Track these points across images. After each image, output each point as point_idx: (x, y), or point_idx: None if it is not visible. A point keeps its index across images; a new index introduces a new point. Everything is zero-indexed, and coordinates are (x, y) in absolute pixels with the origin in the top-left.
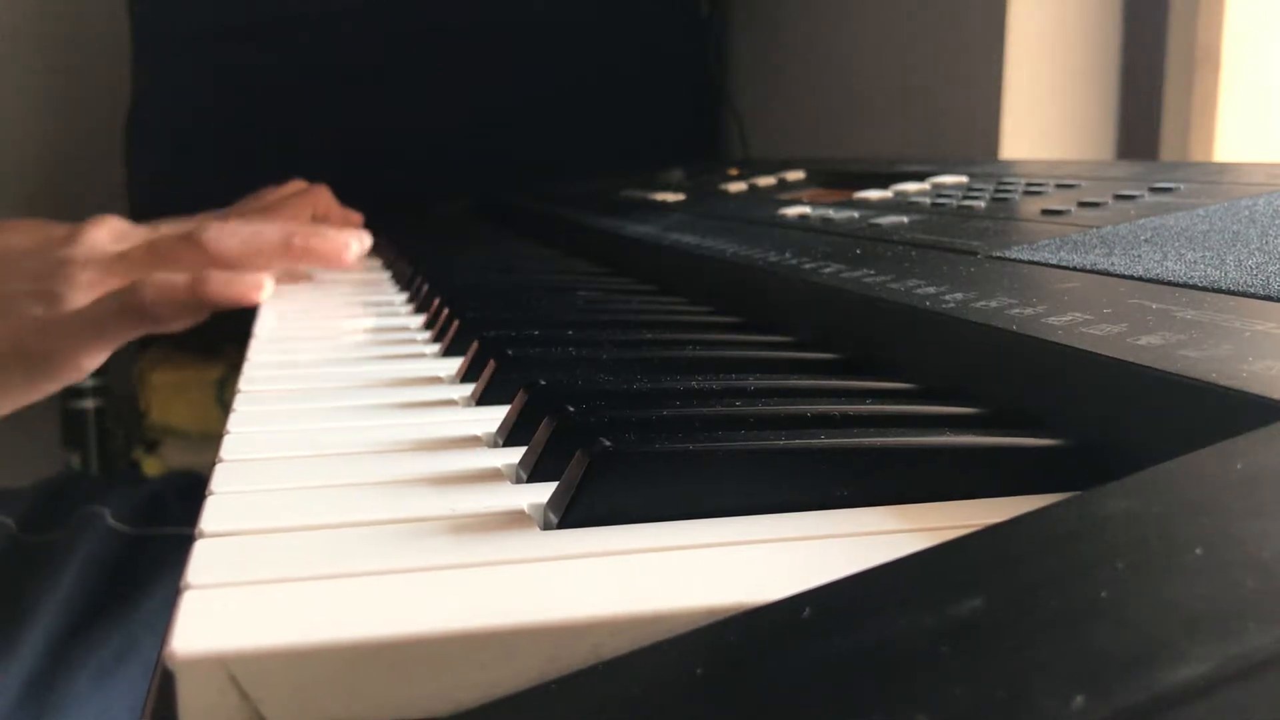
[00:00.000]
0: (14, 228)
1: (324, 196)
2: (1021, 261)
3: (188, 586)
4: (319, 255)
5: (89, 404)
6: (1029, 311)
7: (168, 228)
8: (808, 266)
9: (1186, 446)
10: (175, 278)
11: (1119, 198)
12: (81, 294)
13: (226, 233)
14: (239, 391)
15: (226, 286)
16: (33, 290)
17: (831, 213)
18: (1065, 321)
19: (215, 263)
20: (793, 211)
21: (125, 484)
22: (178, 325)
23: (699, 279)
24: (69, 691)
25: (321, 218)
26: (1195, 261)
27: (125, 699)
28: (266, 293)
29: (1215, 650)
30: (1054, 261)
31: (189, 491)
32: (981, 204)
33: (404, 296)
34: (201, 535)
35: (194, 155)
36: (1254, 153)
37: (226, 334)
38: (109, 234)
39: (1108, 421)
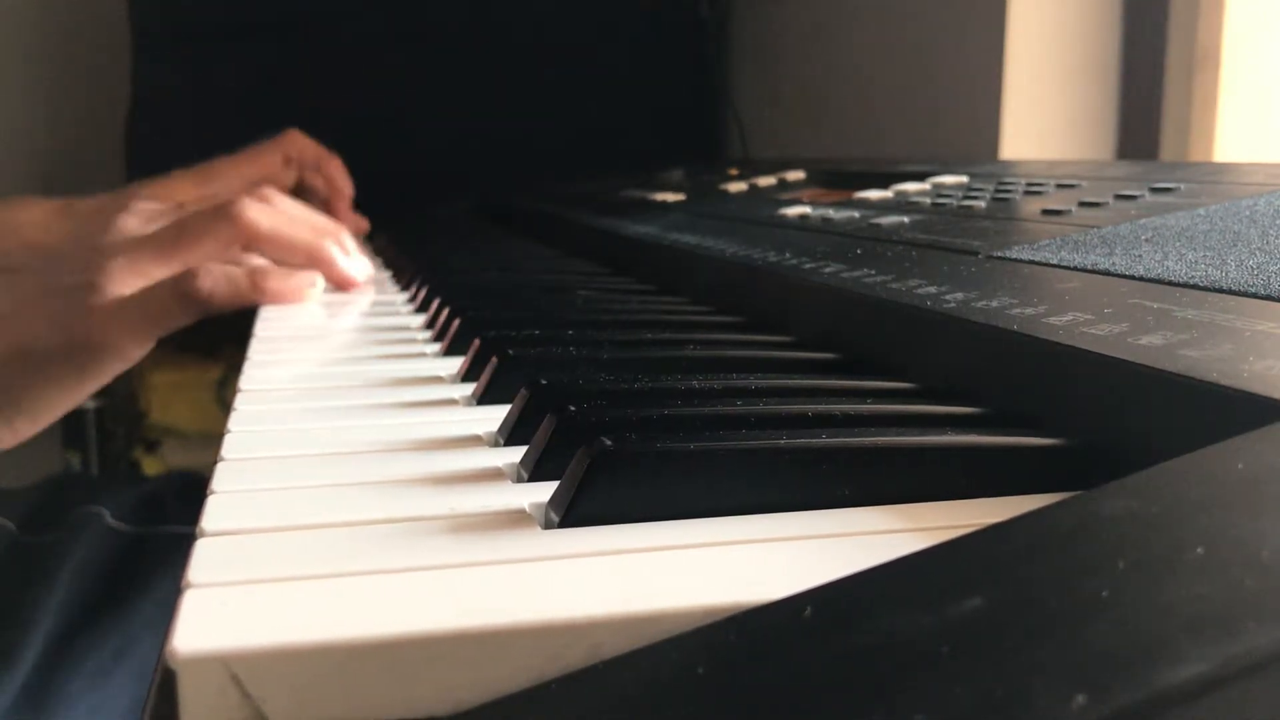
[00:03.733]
0: (31, 205)
1: (297, 141)
2: (1022, 261)
3: (189, 585)
4: (338, 275)
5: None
6: (1029, 311)
7: (192, 204)
8: (808, 266)
9: (1186, 446)
10: (235, 271)
11: (1119, 198)
12: (117, 280)
13: (261, 212)
14: (239, 391)
15: (283, 283)
16: (73, 282)
17: (831, 213)
18: (1066, 321)
19: (245, 239)
20: (793, 211)
21: (125, 483)
22: (225, 310)
23: (699, 279)
24: (68, 690)
25: (298, 160)
26: (1196, 261)
27: (124, 697)
28: (317, 292)
29: (1215, 650)
30: (1054, 261)
31: (188, 491)
32: (982, 204)
33: (404, 296)
34: (202, 534)
35: (194, 155)
36: (1254, 153)
37: (226, 334)
38: (138, 220)
39: (1108, 421)
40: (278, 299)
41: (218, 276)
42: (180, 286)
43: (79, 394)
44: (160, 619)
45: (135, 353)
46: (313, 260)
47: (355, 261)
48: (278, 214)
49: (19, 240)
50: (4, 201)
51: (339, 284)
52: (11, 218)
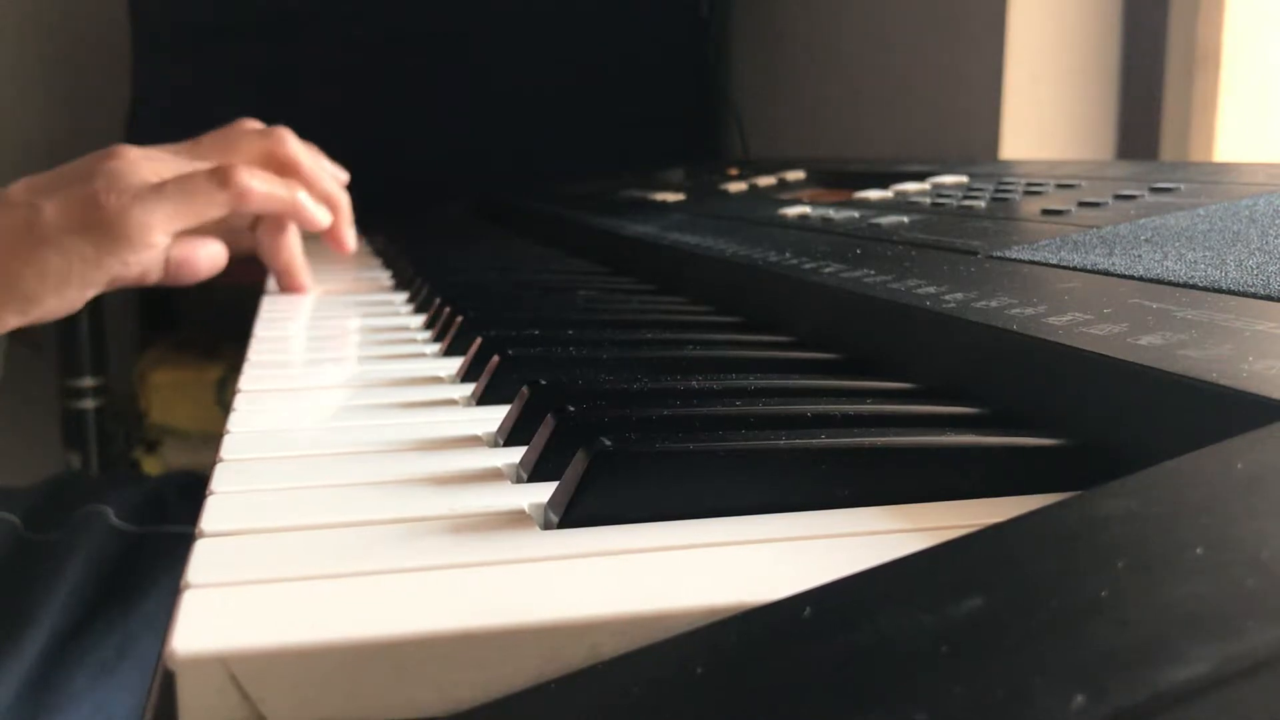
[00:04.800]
0: None
1: (285, 143)
2: (1022, 261)
3: (188, 586)
4: (341, 230)
5: (89, 404)
6: (1029, 311)
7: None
8: (808, 266)
9: (1186, 446)
10: (271, 174)
11: (1119, 198)
12: (145, 173)
13: (254, 176)
14: (239, 391)
15: (316, 205)
16: (100, 168)
17: (831, 213)
18: (1065, 321)
19: (279, 160)
20: (793, 211)
21: (128, 483)
22: (244, 213)
23: (699, 279)
24: (69, 688)
25: (279, 162)
26: (1195, 261)
27: (126, 695)
28: (326, 221)
29: (1215, 650)
30: (1054, 261)
31: (191, 490)
32: (981, 204)
33: (404, 296)
34: (202, 535)
35: None
36: (1254, 153)
37: (226, 334)
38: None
39: (1108, 421)
40: (310, 216)
41: (258, 174)
42: (218, 175)
43: (97, 275)
44: (162, 617)
45: (158, 237)
46: (329, 202)
47: (322, 213)
48: (267, 178)
49: None
50: None
51: (337, 239)
52: None
